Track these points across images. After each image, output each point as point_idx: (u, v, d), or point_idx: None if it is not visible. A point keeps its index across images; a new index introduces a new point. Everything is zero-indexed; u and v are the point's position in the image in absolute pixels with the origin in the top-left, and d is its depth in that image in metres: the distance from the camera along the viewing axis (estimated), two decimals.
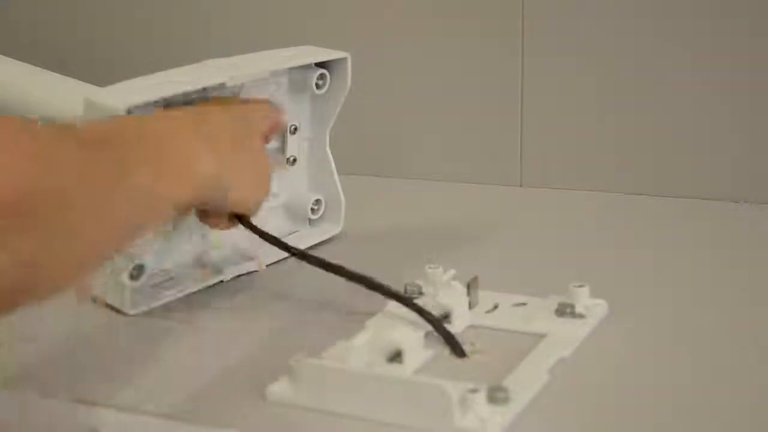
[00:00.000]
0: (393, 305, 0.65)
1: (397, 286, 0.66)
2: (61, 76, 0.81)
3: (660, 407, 0.55)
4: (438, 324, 0.61)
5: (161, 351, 0.63)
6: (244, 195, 0.65)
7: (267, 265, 0.74)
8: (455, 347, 0.60)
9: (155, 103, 0.66)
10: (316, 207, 0.79)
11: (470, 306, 0.64)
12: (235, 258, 0.73)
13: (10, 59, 0.84)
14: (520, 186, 0.94)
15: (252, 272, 0.74)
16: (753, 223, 0.83)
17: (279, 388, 0.56)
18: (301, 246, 0.74)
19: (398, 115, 0.86)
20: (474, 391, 0.53)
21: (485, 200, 0.91)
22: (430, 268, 0.67)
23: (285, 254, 0.71)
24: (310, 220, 0.79)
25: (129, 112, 0.64)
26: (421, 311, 0.62)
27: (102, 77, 0.77)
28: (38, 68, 0.83)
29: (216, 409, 0.56)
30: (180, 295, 0.70)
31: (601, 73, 0.90)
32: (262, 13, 0.99)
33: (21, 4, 1.09)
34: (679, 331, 0.64)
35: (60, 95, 0.79)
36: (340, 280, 0.66)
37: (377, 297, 0.65)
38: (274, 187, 0.76)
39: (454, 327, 0.63)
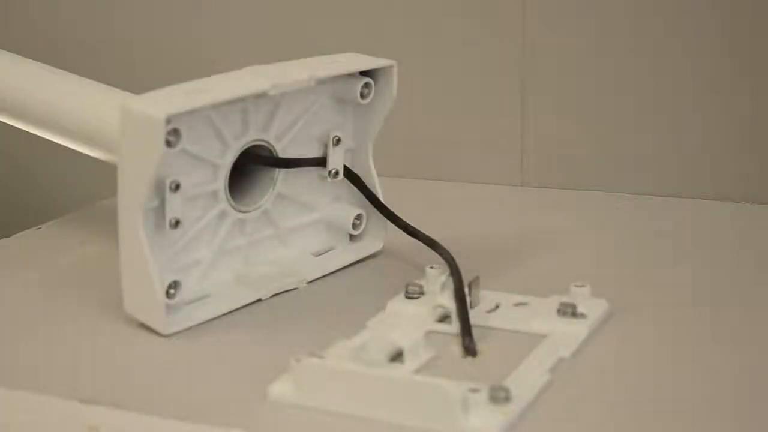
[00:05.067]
0: (393, 305, 0.65)
1: (398, 287, 0.66)
2: (90, 80, 0.76)
3: (661, 407, 0.55)
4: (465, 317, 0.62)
5: (161, 350, 0.63)
6: None
7: (308, 282, 0.70)
8: (469, 345, 0.60)
9: (196, 112, 0.63)
10: (357, 222, 0.74)
11: (471, 306, 0.64)
12: (275, 275, 0.70)
13: (34, 62, 0.79)
14: (521, 185, 0.94)
15: (292, 290, 0.70)
16: (753, 223, 0.83)
17: (280, 388, 0.56)
18: (341, 264, 0.72)
19: (397, 114, 0.85)
20: (475, 390, 0.53)
21: (485, 200, 0.91)
22: (431, 268, 0.67)
23: (329, 271, 0.71)
24: (350, 235, 0.75)
25: (169, 121, 0.61)
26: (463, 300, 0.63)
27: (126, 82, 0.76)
28: (65, 71, 0.77)
29: (216, 409, 0.56)
30: (218, 314, 0.66)
31: (602, 72, 0.90)
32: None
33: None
34: (679, 331, 0.64)
35: (92, 101, 0.74)
36: (340, 280, 0.66)
37: (377, 297, 0.65)
38: (313, 201, 0.73)
39: (455, 327, 0.62)
